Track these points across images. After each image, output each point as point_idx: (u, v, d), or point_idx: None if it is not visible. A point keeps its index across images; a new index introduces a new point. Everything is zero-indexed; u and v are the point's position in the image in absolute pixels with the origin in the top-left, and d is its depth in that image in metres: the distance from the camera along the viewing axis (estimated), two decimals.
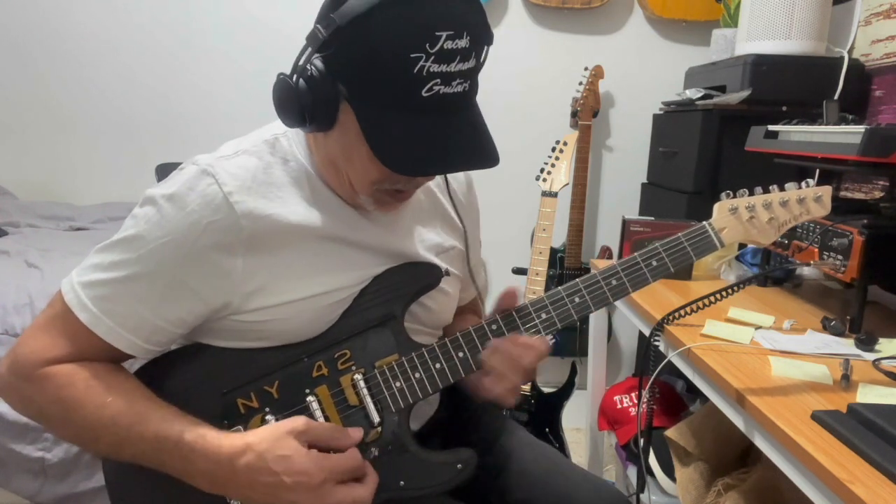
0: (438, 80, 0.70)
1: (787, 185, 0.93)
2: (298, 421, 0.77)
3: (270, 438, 0.75)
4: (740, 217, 0.91)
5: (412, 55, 0.68)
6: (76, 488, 1.50)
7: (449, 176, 1.00)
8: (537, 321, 0.87)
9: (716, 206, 0.92)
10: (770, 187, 0.93)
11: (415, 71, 0.68)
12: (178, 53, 2.42)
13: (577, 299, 0.88)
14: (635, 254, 0.89)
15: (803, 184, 0.93)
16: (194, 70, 2.44)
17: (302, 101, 0.74)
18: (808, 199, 0.92)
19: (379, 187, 0.80)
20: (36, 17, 2.38)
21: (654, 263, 0.88)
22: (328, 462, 0.76)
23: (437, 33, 0.68)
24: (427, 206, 0.97)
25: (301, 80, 0.74)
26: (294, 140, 0.86)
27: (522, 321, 0.87)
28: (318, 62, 0.73)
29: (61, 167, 2.48)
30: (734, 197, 0.92)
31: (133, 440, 0.76)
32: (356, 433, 0.81)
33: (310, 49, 0.73)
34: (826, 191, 0.93)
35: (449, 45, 0.69)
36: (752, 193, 0.92)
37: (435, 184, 0.99)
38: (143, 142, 2.46)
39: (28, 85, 2.41)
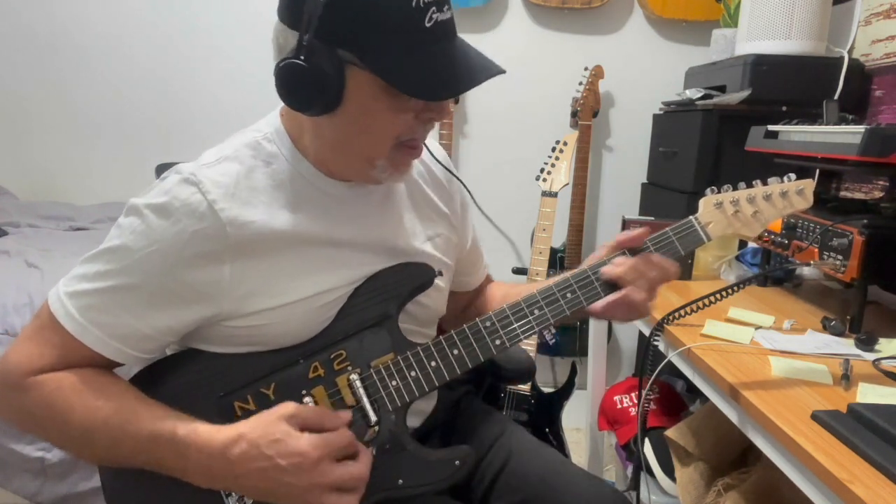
0: (434, 8, 0.73)
1: (769, 180, 0.95)
2: (288, 406, 0.78)
3: (262, 425, 0.76)
4: (725, 211, 0.93)
5: None
6: (76, 488, 1.50)
7: (431, 164, 1.01)
8: (530, 317, 0.88)
9: (701, 202, 0.94)
10: (753, 182, 0.95)
11: (413, 4, 0.72)
12: (178, 53, 2.42)
13: (569, 295, 0.88)
14: (624, 249, 0.90)
15: (785, 178, 0.95)
16: (195, 70, 2.44)
17: (307, 81, 0.74)
18: (791, 193, 0.94)
19: (398, 141, 0.81)
20: (36, 17, 2.37)
21: None
22: (321, 440, 0.76)
23: None
24: (411, 196, 0.98)
25: (301, 61, 0.73)
26: (277, 140, 0.86)
27: (515, 317, 0.88)
28: (314, 40, 0.73)
29: (61, 167, 2.48)
30: (719, 192, 0.94)
31: (127, 439, 0.76)
32: (345, 414, 0.82)
33: (308, 29, 0.73)
34: (808, 184, 0.94)
35: None
36: (735, 188, 0.94)
37: (417, 173, 0.99)
38: (143, 142, 2.46)
39: (28, 85, 2.41)
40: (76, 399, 0.77)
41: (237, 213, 0.79)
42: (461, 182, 1.05)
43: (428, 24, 0.73)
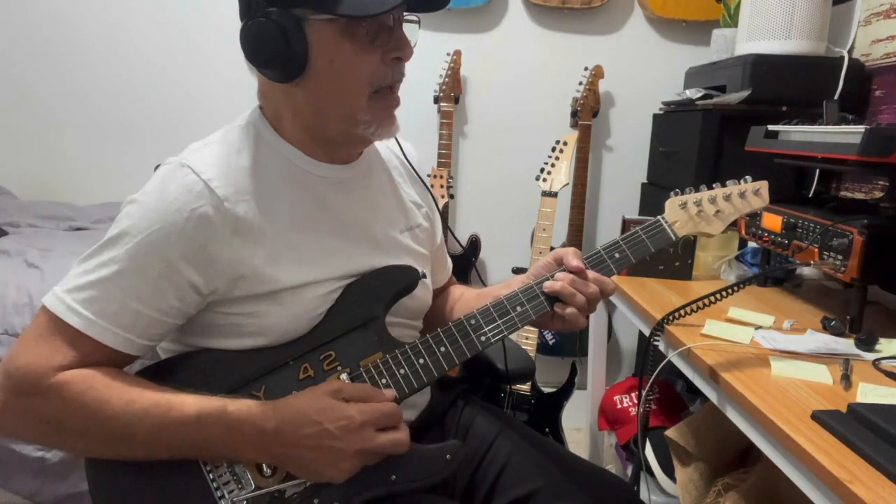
0: None
1: (727, 182, 1.03)
2: (333, 382, 0.82)
3: (309, 397, 0.79)
4: (689, 211, 1.00)
5: None
6: (76, 488, 1.50)
7: (405, 160, 1.06)
8: (513, 314, 0.91)
9: (667, 203, 1.01)
10: (713, 184, 1.03)
11: None
12: (178, 53, 2.42)
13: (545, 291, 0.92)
14: (599, 247, 0.96)
15: (742, 180, 1.03)
16: (195, 70, 2.44)
17: (276, 35, 0.79)
18: (749, 193, 1.02)
19: (372, 88, 0.84)
20: (36, 17, 2.37)
21: (617, 256, 0.95)
22: (367, 407, 0.79)
23: None
24: (391, 186, 1.02)
25: (262, 20, 0.79)
26: (259, 126, 0.89)
27: (499, 314, 0.91)
28: (267, 9, 0.79)
29: (61, 167, 2.48)
30: (683, 194, 1.01)
31: (173, 425, 0.76)
32: (390, 392, 0.85)
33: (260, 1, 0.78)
34: (763, 185, 1.03)
35: None
36: (698, 191, 1.01)
37: (394, 167, 1.04)
38: (143, 142, 2.46)
39: (28, 85, 2.41)
40: (110, 394, 0.76)
41: (233, 189, 0.82)
42: (427, 188, 1.10)
43: None
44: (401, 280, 0.93)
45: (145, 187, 0.82)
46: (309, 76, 0.82)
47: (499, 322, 0.90)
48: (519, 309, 0.91)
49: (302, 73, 0.81)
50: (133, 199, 0.82)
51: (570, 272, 0.91)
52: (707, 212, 1.00)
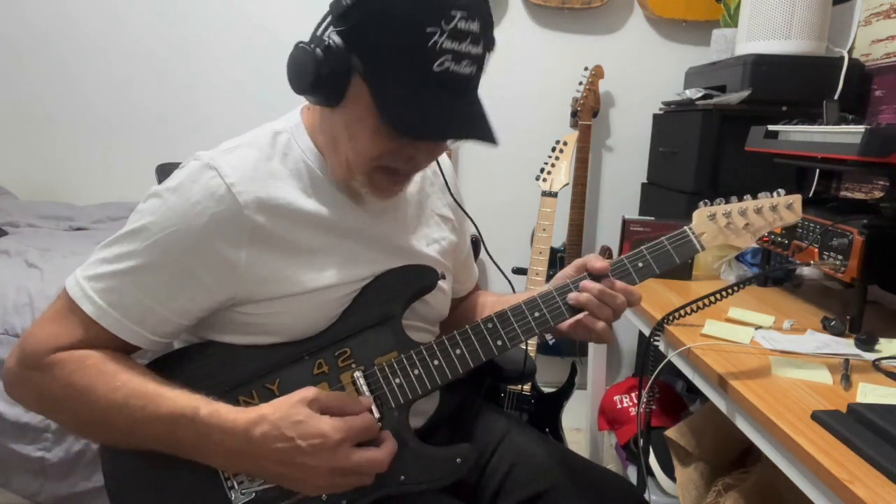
0: (449, 57, 0.73)
1: (759, 195, 0.99)
2: (309, 390, 0.78)
3: (284, 407, 0.76)
4: (718, 223, 0.97)
5: (428, 29, 0.71)
6: (76, 488, 1.50)
7: (438, 171, 1.03)
8: (530, 318, 0.89)
9: (695, 214, 0.98)
10: (745, 196, 0.99)
11: (429, 45, 0.72)
12: (177, 54, 2.42)
13: (566, 299, 0.90)
14: (622, 256, 0.93)
15: (775, 193, 0.99)
16: (194, 70, 2.44)
17: (317, 71, 0.76)
18: (780, 207, 0.99)
19: (377, 164, 0.81)
20: (36, 17, 2.37)
21: (640, 265, 0.93)
22: (342, 423, 0.76)
23: (453, 12, 0.72)
24: (419, 199, 1.00)
25: (318, 50, 0.75)
26: (294, 133, 0.88)
27: (516, 319, 0.89)
28: (335, 36, 0.75)
29: (61, 167, 2.48)
30: (711, 205, 0.98)
31: (147, 420, 0.76)
32: (366, 399, 0.83)
33: (330, 17, 0.75)
34: (796, 198, 0.99)
35: (462, 25, 0.72)
36: (728, 202, 0.98)
37: (425, 178, 1.01)
38: (143, 142, 2.46)
39: (28, 85, 2.41)
40: (97, 379, 0.77)
41: (255, 196, 0.81)
42: (464, 210, 1.07)
43: (436, 69, 0.73)
44: (420, 279, 0.92)
45: (170, 181, 0.82)
46: (336, 113, 0.80)
47: (515, 326, 0.89)
48: (537, 314, 0.89)
49: (334, 108, 0.80)
50: (157, 192, 0.81)
51: (593, 274, 0.89)
52: (736, 224, 0.97)
